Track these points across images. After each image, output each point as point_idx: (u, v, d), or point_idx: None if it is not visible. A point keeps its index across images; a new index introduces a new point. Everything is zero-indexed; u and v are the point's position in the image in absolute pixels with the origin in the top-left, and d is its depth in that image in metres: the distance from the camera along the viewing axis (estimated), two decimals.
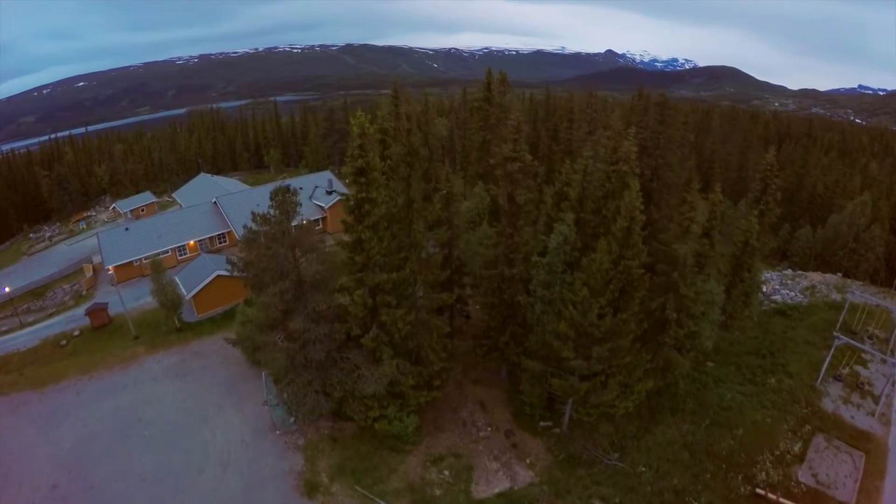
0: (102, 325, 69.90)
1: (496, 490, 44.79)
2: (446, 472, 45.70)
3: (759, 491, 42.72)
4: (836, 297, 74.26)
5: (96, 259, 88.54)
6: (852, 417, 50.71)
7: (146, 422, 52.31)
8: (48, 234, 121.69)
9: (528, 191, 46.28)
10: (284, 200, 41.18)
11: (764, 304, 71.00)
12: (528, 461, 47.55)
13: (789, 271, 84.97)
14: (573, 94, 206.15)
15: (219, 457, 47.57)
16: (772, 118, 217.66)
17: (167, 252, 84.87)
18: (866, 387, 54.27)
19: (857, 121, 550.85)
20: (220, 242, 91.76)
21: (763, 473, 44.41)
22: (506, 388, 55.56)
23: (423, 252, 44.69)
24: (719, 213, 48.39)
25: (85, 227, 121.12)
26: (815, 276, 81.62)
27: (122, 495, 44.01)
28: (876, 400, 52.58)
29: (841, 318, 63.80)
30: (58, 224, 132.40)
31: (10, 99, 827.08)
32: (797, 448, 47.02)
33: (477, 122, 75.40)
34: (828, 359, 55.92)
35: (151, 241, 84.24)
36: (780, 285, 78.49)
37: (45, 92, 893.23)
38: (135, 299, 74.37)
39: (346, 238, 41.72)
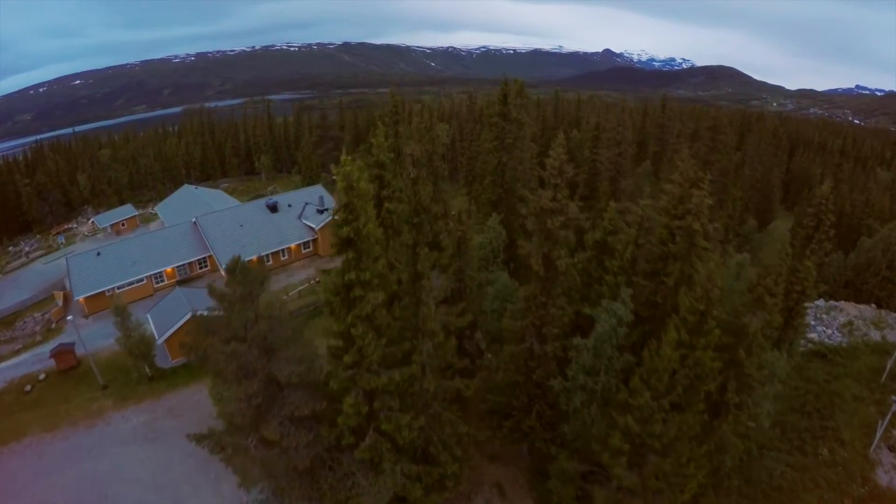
0: (70, 368, 62.84)
1: None
2: None
3: None
4: (875, 335, 67.40)
5: (69, 284, 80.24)
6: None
7: (112, 499, 46.07)
8: (26, 249, 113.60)
9: (570, 248, 37.91)
10: (246, 277, 31.20)
11: (801, 344, 63.46)
12: None
13: (821, 302, 77.36)
14: (580, 99, 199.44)
15: None
16: (780, 122, 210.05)
17: (142, 280, 77.06)
18: None
19: (856, 121, 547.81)
20: (201, 268, 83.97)
21: None
22: (527, 467, 47.79)
23: (436, 340, 35.14)
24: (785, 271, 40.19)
25: (63, 241, 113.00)
26: (850, 309, 74.10)
27: None
28: None
29: (888, 367, 57.36)
30: (38, 237, 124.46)
31: (6, 97, 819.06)
32: None
33: (491, 141, 66.45)
34: (884, 423, 49.28)
35: (125, 269, 76.32)
36: (814, 320, 70.82)
37: (41, 90, 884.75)
38: (105, 336, 67.07)
39: (332, 326, 32.79)
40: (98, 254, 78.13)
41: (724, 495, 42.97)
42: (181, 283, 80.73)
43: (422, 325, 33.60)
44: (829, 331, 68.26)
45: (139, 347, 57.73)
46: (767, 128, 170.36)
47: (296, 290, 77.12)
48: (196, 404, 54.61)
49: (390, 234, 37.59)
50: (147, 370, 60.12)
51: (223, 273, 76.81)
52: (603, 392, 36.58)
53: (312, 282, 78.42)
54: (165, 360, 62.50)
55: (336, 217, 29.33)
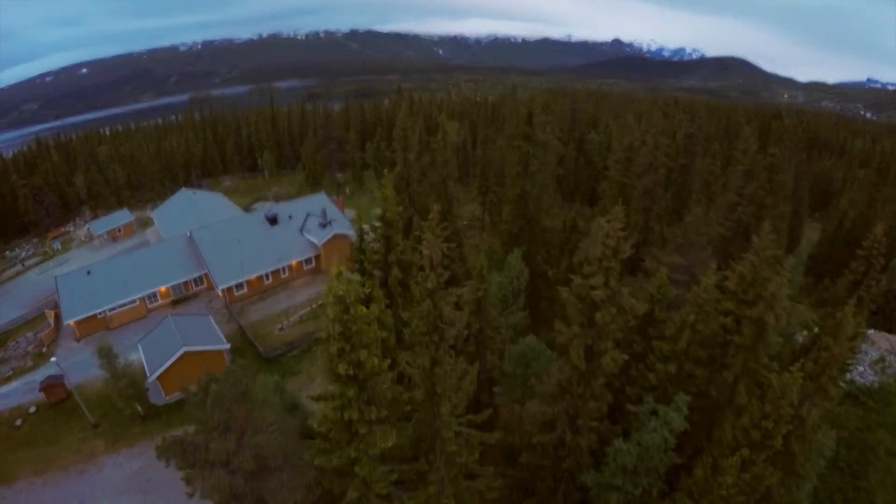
0: (60, 401, 60.03)
1: None
2: None
3: None
4: None
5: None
6: None
7: None
8: (22, 256, 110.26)
9: (618, 341, 33.50)
10: (221, 402, 28.06)
11: None
12: None
13: None
14: (596, 97, 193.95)
15: None
16: (797, 120, 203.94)
17: (135, 302, 73.65)
18: None
19: (869, 115, 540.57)
20: (197, 286, 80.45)
21: None
22: None
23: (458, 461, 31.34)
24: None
25: (59, 247, 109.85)
26: (882, 341, 69.75)
27: None
28: None
29: None
30: (35, 241, 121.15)
31: (12, 87, 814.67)
32: None
33: (514, 166, 61.20)
34: None
35: (117, 289, 72.81)
36: None
37: (47, 79, 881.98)
38: (96, 364, 62.62)
39: (328, 460, 27.90)
40: (88, 272, 74.85)
41: None
42: (176, 302, 77.69)
43: (440, 448, 29.78)
44: (861, 367, 63.99)
45: (128, 391, 54.80)
46: (788, 128, 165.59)
47: (297, 315, 73.60)
48: None
49: (398, 304, 34.01)
50: (139, 409, 56.95)
51: (220, 293, 73.56)
52: (643, 497, 32.93)
53: (315, 306, 74.83)
54: (159, 397, 59.40)
55: (329, 347, 24.86)
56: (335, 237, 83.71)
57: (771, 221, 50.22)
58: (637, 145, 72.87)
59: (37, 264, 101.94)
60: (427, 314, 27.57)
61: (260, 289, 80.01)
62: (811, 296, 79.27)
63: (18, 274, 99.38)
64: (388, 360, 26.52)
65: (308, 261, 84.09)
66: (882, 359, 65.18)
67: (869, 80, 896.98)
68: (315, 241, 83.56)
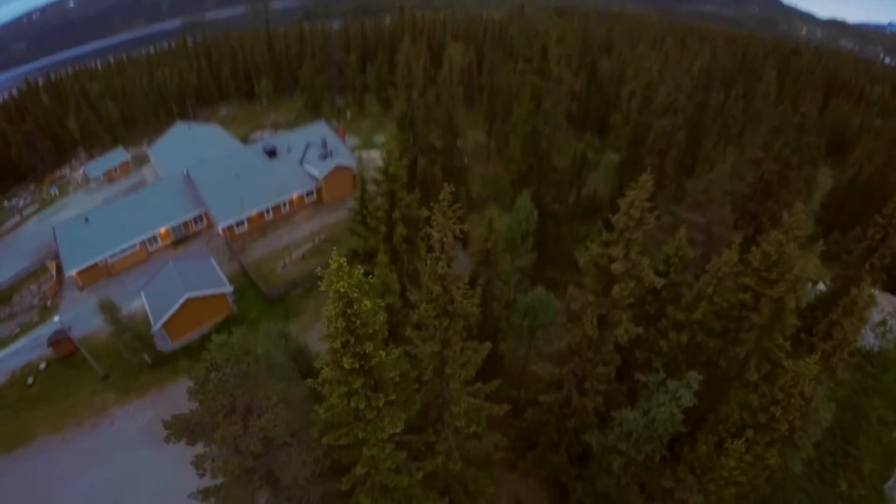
0: (69, 355, 59.79)
1: None
2: None
3: None
4: None
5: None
6: None
7: None
8: (20, 205, 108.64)
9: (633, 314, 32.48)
10: (225, 386, 26.50)
11: None
12: None
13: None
14: (609, 20, 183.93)
15: None
16: (816, 58, 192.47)
17: (135, 246, 72.10)
18: None
19: (888, 60, 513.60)
20: (197, 225, 78.57)
21: None
22: (548, 478, 44.33)
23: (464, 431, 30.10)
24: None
25: (56, 193, 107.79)
26: (885, 303, 66.69)
27: None
28: None
29: None
30: (31, 188, 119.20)
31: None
32: None
33: (526, 103, 57.01)
34: None
35: (115, 235, 71.09)
36: None
37: (34, 17, 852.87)
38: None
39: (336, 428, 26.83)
40: (86, 220, 72.84)
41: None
42: (177, 243, 76.26)
43: (448, 420, 28.73)
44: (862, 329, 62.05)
45: (134, 343, 54.22)
46: (805, 65, 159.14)
47: (299, 251, 71.76)
48: None
49: (403, 260, 31.90)
50: (147, 358, 56.58)
51: (220, 231, 71.73)
52: (645, 461, 33.60)
53: (317, 241, 72.71)
54: (165, 344, 58.91)
55: (331, 341, 22.77)
56: (337, 169, 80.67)
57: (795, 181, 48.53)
58: (656, 82, 67.53)
59: (35, 213, 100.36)
60: (437, 298, 25.91)
61: (261, 225, 77.99)
62: (819, 246, 76.71)
63: (17, 225, 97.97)
64: (397, 350, 25.09)
65: (309, 194, 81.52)
66: (884, 322, 63.43)
67: (891, 25, 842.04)
68: (316, 173, 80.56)
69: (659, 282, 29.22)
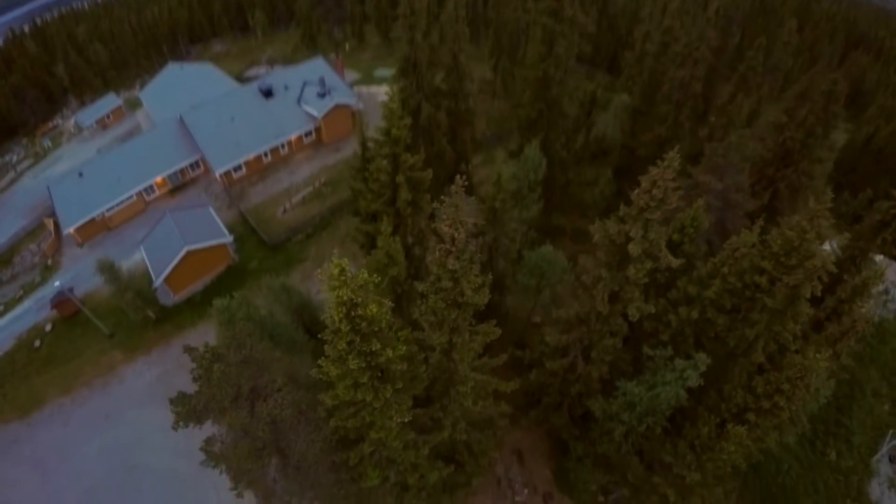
0: (73, 314, 59.28)
1: None
2: None
3: None
4: None
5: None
6: None
7: (141, 471, 46.61)
8: (13, 161, 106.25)
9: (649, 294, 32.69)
10: (228, 378, 26.62)
11: None
12: None
13: None
14: None
15: None
16: (836, 5, 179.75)
17: (132, 198, 70.26)
18: None
19: None
20: (194, 171, 76.28)
21: None
22: (548, 433, 45.47)
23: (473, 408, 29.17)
24: None
25: (50, 145, 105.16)
26: (889, 272, 62.83)
27: None
28: None
29: None
30: (24, 141, 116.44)
31: None
32: None
33: (537, 46, 52.93)
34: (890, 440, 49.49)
35: (111, 188, 69.12)
36: None
37: None
38: None
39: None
40: (80, 175, 70.66)
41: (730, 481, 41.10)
42: (175, 191, 74.49)
43: (455, 397, 28.59)
44: None
45: (136, 301, 53.45)
46: (824, 12, 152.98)
47: (299, 195, 69.74)
48: None
49: (407, 225, 33.01)
50: (150, 314, 56.04)
51: (218, 177, 69.77)
52: (645, 431, 34.79)
53: (317, 184, 70.42)
54: (168, 298, 58.24)
55: (336, 344, 21.69)
56: (336, 108, 77.56)
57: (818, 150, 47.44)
58: (677, 28, 62.56)
59: (30, 167, 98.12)
60: (448, 291, 24.97)
61: (259, 168, 75.72)
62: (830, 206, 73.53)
63: (12, 182, 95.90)
64: (404, 347, 24.12)
65: (308, 134, 78.69)
66: (887, 291, 62.02)
67: None
68: (314, 112, 77.39)
69: (676, 262, 28.48)
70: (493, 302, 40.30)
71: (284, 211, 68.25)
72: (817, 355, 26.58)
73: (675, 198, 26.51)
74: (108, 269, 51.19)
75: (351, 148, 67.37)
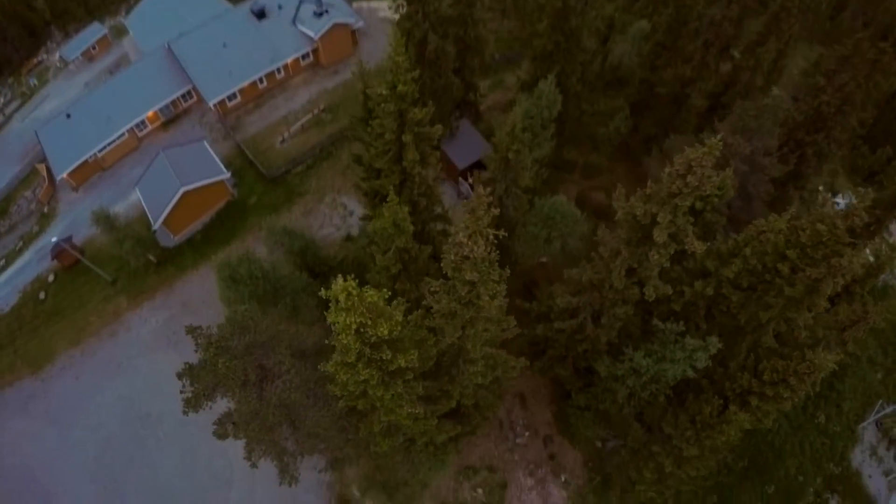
0: (74, 263, 58.25)
1: None
2: (479, 491, 43.84)
3: None
4: None
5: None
6: (869, 477, 50.02)
7: (155, 419, 48.22)
8: (1, 103, 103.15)
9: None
10: (234, 371, 27.05)
11: None
12: (563, 478, 45.40)
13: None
14: None
15: (242, 466, 38.18)
16: None
17: (124, 135, 67.50)
18: None
19: None
20: (186, 101, 72.84)
21: None
22: (552, 379, 46.52)
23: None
24: None
25: (36, 83, 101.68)
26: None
27: None
28: None
29: None
30: (9, 81, 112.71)
31: None
32: None
33: None
34: (879, 410, 50.99)
35: (101, 127, 66.29)
36: None
37: None
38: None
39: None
40: (68, 116, 67.68)
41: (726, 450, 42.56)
42: (167, 123, 71.66)
43: (464, 370, 28.46)
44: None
45: (136, 249, 52.72)
46: None
47: (298, 123, 66.71)
48: (209, 296, 51.25)
49: (415, 183, 33.00)
50: (151, 257, 55.25)
51: (211, 107, 66.97)
52: (648, 397, 35.89)
53: (317, 111, 67.06)
54: (168, 240, 57.26)
55: (345, 357, 21.24)
56: (334, 27, 72.79)
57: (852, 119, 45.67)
58: None
59: (17, 109, 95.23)
60: (464, 294, 24.07)
61: (254, 95, 72.26)
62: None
63: (1, 126, 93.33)
64: (415, 352, 23.75)
65: (305, 56, 74.36)
66: (893, 248, 61.03)
67: None
68: (311, 33, 72.74)
69: (702, 248, 27.64)
70: (501, 247, 39.66)
71: (283, 140, 65.40)
72: (827, 356, 26.94)
73: (710, 185, 25.09)
74: (104, 220, 50.36)
75: (351, 71, 64.21)
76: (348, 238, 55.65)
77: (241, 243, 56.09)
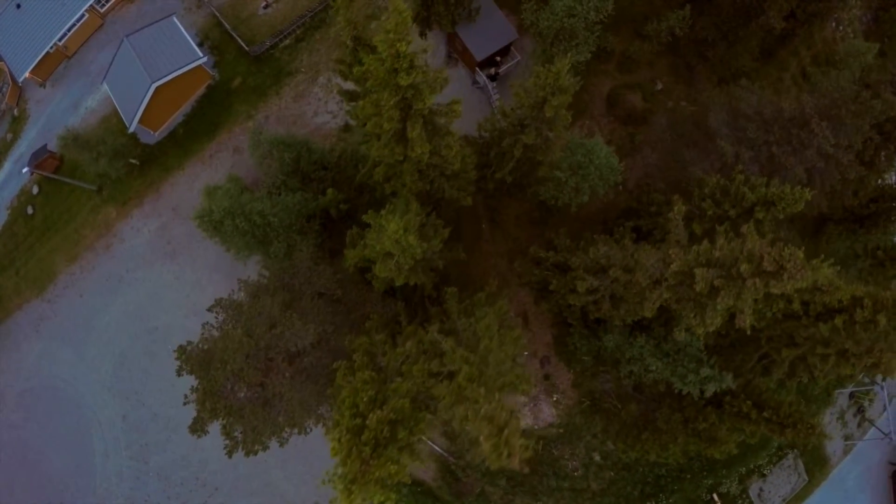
0: (56, 170, 58.48)
1: None
2: None
3: (714, 497, 52.83)
4: None
5: None
6: (830, 439, 55.03)
7: (163, 331, 51.48)
8: None
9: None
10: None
11: None
12: (554, 398, 50.24)
13: None
14: None
15: None
16: None
17: (84, 16, 63.67)
18: (866, 413, 57.78)
19: None
20: None
21: (727, 483, 52.55)
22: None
23: None
24: None
25: None
26: None
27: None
28: (862, 427, 57.85)
29: None
30: None
31: None
32: (771, 465, 54.24)
33: None
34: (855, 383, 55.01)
35: (57, 12, 62.52)
36: None
37: None
38: (73, 107, 61.56)
39: None
40: (18, 6, 64.09)
41: None
42: None
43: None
44: None
45: (116, 162, 53.13)
46: None
47: None
48: (198, 200, 50.24)
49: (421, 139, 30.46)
50: (133, 160, 55.17)
51: None
52: (650, 382, 39.91)
53: None
54: (148, 136, 56.86)
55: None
56: None
57: None
58: None
59: None
60: None
61: None
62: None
63: None
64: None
65: None
66: None
67: None
68: None
69: (748, 325, 28.64)
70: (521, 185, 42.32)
71: (266, 6, 60.63)
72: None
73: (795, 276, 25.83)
74: (73, 141, 50.39)
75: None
76: (346, 128, 53.89)
77: (227, 134, 55.37)
